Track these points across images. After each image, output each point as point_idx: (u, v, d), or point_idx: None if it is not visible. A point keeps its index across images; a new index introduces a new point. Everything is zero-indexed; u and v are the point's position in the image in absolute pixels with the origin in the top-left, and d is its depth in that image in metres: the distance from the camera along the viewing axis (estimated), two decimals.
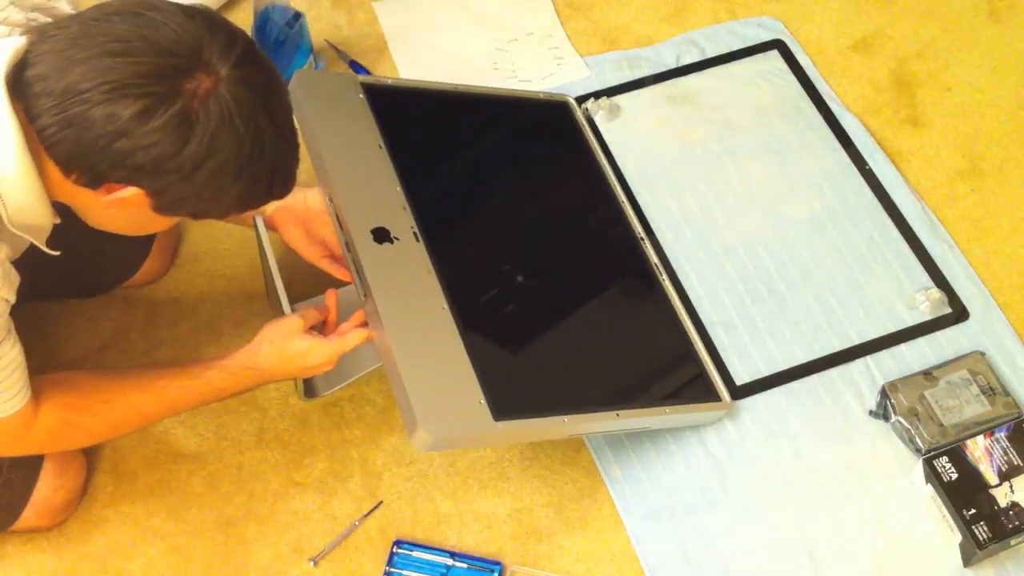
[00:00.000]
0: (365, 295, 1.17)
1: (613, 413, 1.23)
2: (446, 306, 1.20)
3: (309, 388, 1.31)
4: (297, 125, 1.04)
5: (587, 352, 1.32)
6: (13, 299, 0.98)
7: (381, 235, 1.22)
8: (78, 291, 1.40)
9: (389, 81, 1.41)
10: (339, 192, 1.23)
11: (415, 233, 1.24)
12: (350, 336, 1.18)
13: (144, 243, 1.40)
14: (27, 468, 1.21)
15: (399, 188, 1.28)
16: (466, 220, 1.37)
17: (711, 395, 1.32)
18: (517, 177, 1.46)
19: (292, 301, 1.24)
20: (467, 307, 1.22)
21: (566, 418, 1.19)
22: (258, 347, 1.17)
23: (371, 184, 1.27)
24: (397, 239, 1.23)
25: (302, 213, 1.29)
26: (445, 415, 1.11)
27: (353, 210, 1.22)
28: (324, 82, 1.36)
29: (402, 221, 1.25)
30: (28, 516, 1.22)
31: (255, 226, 1.27)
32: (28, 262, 1.03)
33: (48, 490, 1.22)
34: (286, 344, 1.17)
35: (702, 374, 1.33)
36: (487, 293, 1.32)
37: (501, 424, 1.14)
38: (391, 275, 1.19)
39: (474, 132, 1.46)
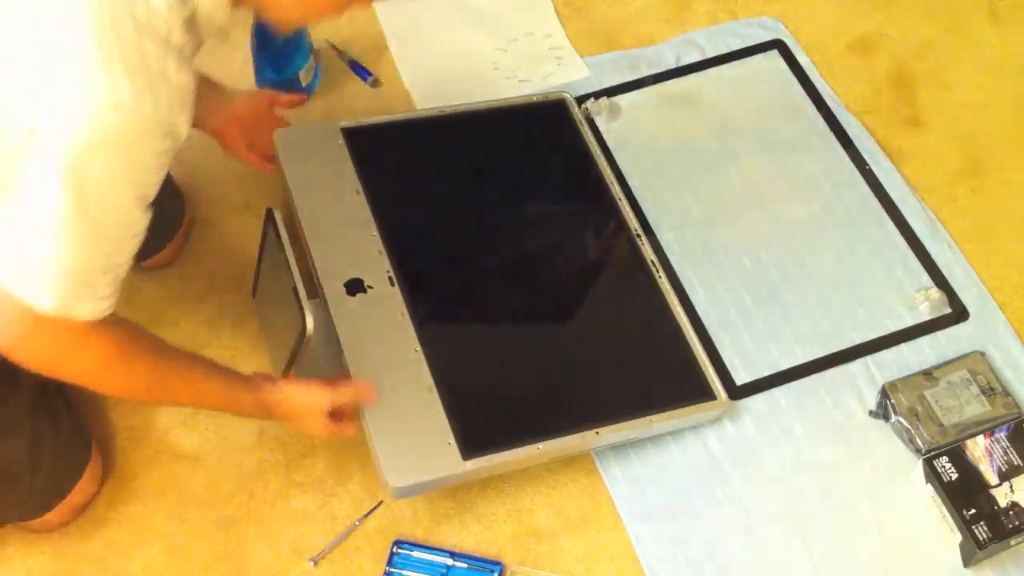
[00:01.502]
0: (339, 349, 1.22)
1: (592, 432, 1.24)
2: (418, 348, 1.25)
3: None
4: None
5: (572, 366, 1.33)
6: (186, 134, 0.91)
7: (354, 287, 1.27)
8: None
9: (371, 121, 1.43)
10: (312, 248, 1.28)
11: (390, 278, 1.28)
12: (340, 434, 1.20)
13: (176, 217, 1.42)
14: (73, 463, 1.24)
15: (375, 233, 1.31)
16: (446, 251, 1.39)
17: (706, 395, 1.32)
18: (507, 194, 1.47)
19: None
20: (440, 344, 1.26)
21: (540, 446, 1.22)
22: (286, 399, 1.16)
23: (346, 233, 1.32)
24: (371, 287, 1.27)
25: (243, 118, 1.32)
26: (412, 465, 1.17)
27: (326, 264, 1.28)
28: (305, 135, 1.41)
29: (377, 267, 1.29)
30: (52, 513, 1.23)
31: (272, 221, 1.26)
32: None
33: (79, 492, 1.24)
34: (303, 415, 1.17)
35: (697, 373, 1.33)
36: (463, 324, 1.34)
37: (471, 463, 1.18)
38: (363, 326, 1.24)
39: (463, 155, 1.48)
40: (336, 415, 1.18)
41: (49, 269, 0.89)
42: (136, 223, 0.92)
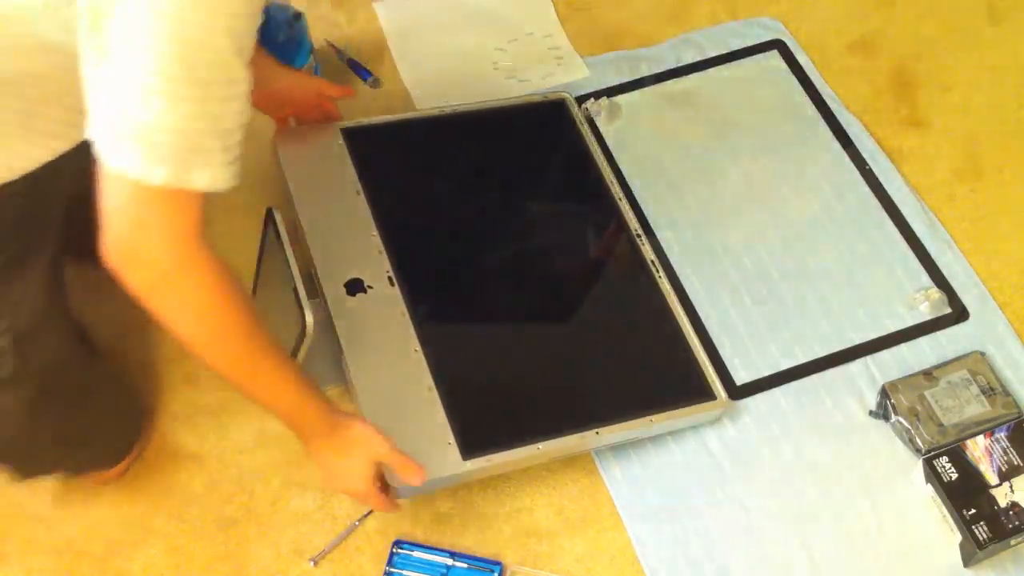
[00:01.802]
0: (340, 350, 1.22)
1: (592, 432, 1.24)
2: (418, 348, 1.25)
3: None
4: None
5: (572, 366, 1.33)
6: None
7: (354, 287, 1.27)
8: None
9: (371, 121, 1.43)
10: (312, 248, 1.28)
11: (390, 278, 1.28)
12: (378, 501, 1.16)
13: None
14: (137, 420, 1.32)
15: (375, 233, 1.31)
16: (446, 251, 1.39)
17: (706, 395, 1.32)
18: (507, 194, 1.47)
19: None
20: (440, 344, 1.26)
21: (540, 446, 1.22)
22: (346, 431, 1.12)
23: (346, 233, 1.32)
24: (371, 287, 1.27)
25: (288, 98, 1.36)
26: None
27: (326, 264, 1.27)
28: (305, 135, 1.41)
29: (377, 267, 1.29)
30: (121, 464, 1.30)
31: (272, 221, 1.27)
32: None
33: (138, 445, 1.32)
34: (359, 452, 1.12)
35: (696, 373, 1.33)
36: (463, 324, 1.34)
37: (471, 463, 1.19)
38: (363, 326, 1.24)
39: (463, 155, 1.48)
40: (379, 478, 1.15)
41: (156, 131, 0.83)
42: (238, 78, 0.87)
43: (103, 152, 0.85)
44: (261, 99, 1.31)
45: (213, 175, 0.87)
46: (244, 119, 0.89)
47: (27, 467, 1.24)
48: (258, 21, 0.88)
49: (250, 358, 1.01)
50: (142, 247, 0.89)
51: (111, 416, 1.29)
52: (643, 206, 1.51)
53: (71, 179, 1.04)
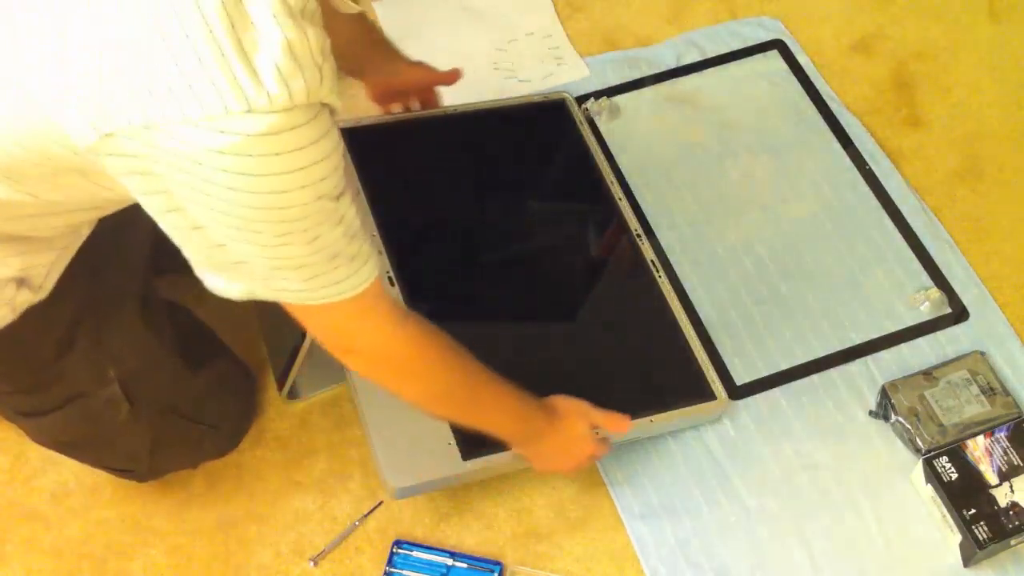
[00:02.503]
0: None
1: (592, 432, 1.24)
2: None
3: (293, 389, 1.34)
4: None
5: (572, 365, 1.32)
6: (339, 105, 0.79)
7: None
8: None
9: (371, 120, 1.42)
10: None
11: (390, 278, 1.28)
12: (603, 450, 1.22)
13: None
14: (251, 404, 1.35)
15: (375, 233, 1.31)
16: (446, 251, 1.38)
17: (706, 394, 1.32)
18: (507, 194, 1.46)
19: None
20: None
21: None
22: (558, 414, 1.17)
23: None
24: None
25: (401, 89, 1.39)
26: (412, 465, 1.17)
27: None
28: None
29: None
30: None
31: None
32: None
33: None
34: (582, 431, 1.18)
35: (696, 373, 1.33)
36: (463, 324, 1.33)
37: (471, 463, 1.18)
38: None
39: (463, 155, 1.47)
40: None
41: (302, 289, 0.87)
42: (343, 205, 0.83)
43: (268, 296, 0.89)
44: (378, 92, 1.39)
45: (366, 268, 0.89)
46: (357, 217, 0.88)
47: (146, 476, 1.28)
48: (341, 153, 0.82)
49: (472, 401, 1.08)
50: (352, 343, 0.98)
51: (227, 413, 1.30)
52: (643, 206, 1.51)
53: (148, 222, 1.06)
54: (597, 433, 1.20)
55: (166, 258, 1.07)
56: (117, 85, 0.71)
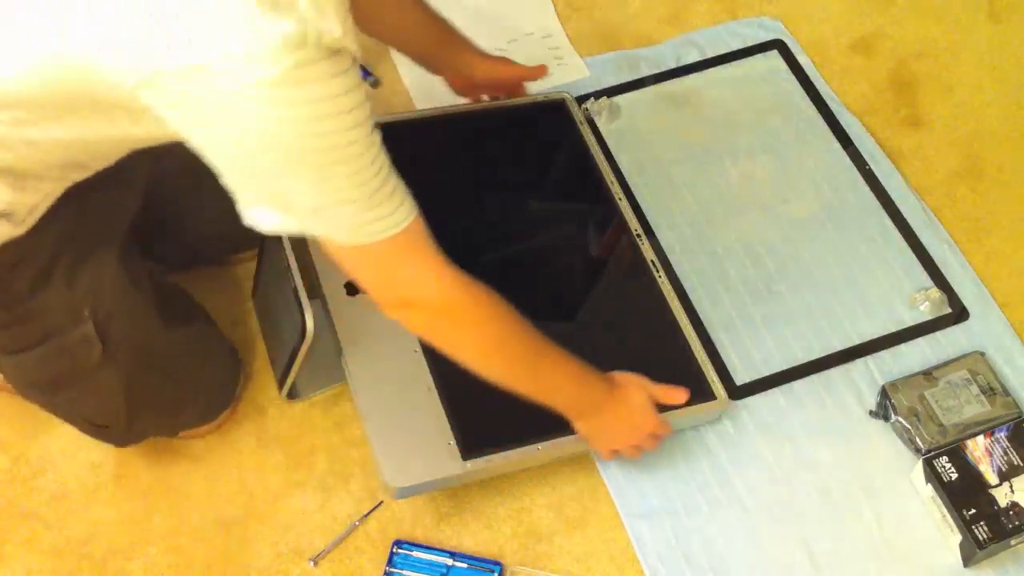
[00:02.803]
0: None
1: None
2: (418, 348, 1.25)
3: (293, 390, 1.34)
4: None
5: None
6: (356, 49, 0.84)
7: (354, 287, 1.26)
8: (199, 252, 1.43)
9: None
10: (313, 249, 1.27)
11: None
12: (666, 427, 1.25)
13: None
14: (236, 376, 1.34)
15: None
16: (446, 251, 1.37)
17: (705, 394, 1.32)
18: (507, 194, 1.47)
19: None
20: None
21: (540, 446, 1.22)
22: (618, 384, 1.21)
23: None
24: None
25: (484, 85, 1.44)
26: (412, 465, 1.17)
27: (326, 264, 1.27)
28: None
29: None
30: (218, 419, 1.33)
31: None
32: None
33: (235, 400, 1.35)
34: (638, 390, 1.22)
35: (695, 373, 1.33)
36: None
37: (471, 463, 1.19)
38: (363, 326, 1.24)
39: (463, 155, 1.47)
40: None
41: (324, 214, 0.90)
42: (375, 144, 0.89)
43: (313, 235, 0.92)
44: (463, 86, 1.43)
45: (406, 205, 0.94)
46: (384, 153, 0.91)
47: (126, 437, 1.27)
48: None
49: (531, 358, 1.10)
50: (407, 293, 0.99)
51: (206, 378, 1.30)
52: (643, 206, 1.51)
53: (146, 171, 1.13)
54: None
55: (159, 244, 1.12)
56: (159, 28, 0.77)
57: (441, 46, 1.38)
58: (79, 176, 1.03)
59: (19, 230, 1.01)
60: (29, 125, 0.90)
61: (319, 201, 0.88)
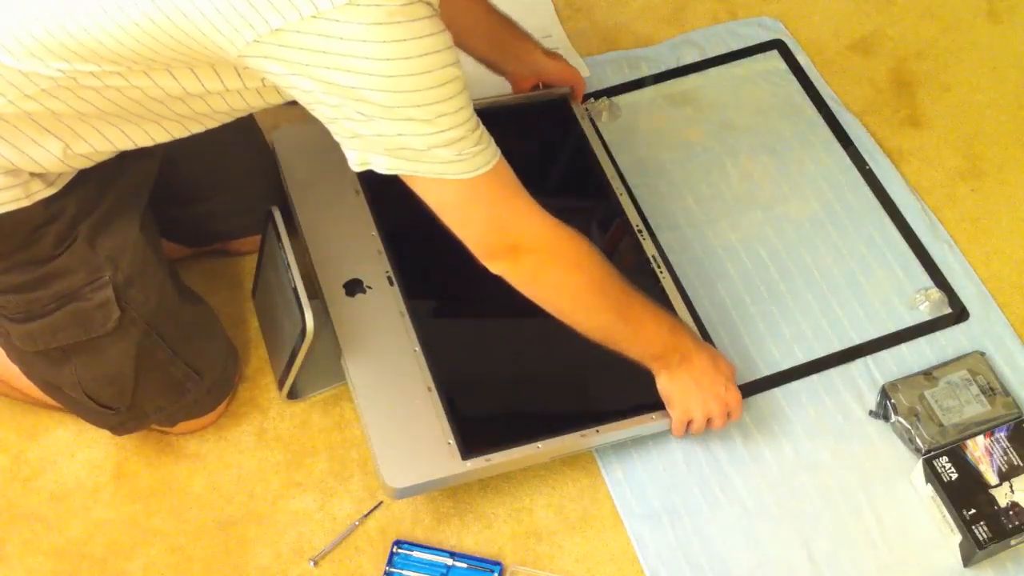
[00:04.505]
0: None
1: (593, 430, 1.24)
2: (418, 348, 1.25)
3: (293, 390, 1.34)
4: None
5: (572, 364, 1.32)
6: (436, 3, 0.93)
7: (353, 287, 1.27)
8: (206, 231, 1.43)
9: None
10: (312, 250, 1.27)
11: (389, 278, 1.28)
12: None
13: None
14: (233, 367, 1.33)
15: (375, 233, 1.31)
16: (445, 251, 1.38)
17: None
18: None
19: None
20: (440, 344, 1.26)
21: (540, 445, 1.22)
22: (700, 346, 1.24)
23: (346, 233, 1.32)
24: (370, 288, 1.27)
25: (546, 81, 1.48)
26: (411, 465, 1.18)
27: (326, 264, 1.28)
28: (305, 135, 1.40)
29: (377, 267, 1.29)
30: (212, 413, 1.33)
31: (272, 221, 1.26)
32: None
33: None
34: (727, 361, 1.26)
35: None
36: (463, 324, 1.34)
37: (470, 463, 1.18)
38: (363, 327, 1.24)
39: None
40: None
41: (435, 153, 0.94)
42: (460, 78, 0.94)
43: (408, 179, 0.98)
44: (526, 85, 1.46)
45: (493, 144, 1.00)
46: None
47: (126, 422, 1.26)
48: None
49: (626, 304, 1.13)
50: (514, 236, 1.04)
51: (208, 361, 1.30)
52: (643, 206, 1.51)
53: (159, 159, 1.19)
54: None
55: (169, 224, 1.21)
56: None
57: (508, 47, 1.41)
58: (111, 152, 1.07)
59: (51, 190, 1.05)
60: (117, 77, 0.94)
61: (429, 141, 0.93)
